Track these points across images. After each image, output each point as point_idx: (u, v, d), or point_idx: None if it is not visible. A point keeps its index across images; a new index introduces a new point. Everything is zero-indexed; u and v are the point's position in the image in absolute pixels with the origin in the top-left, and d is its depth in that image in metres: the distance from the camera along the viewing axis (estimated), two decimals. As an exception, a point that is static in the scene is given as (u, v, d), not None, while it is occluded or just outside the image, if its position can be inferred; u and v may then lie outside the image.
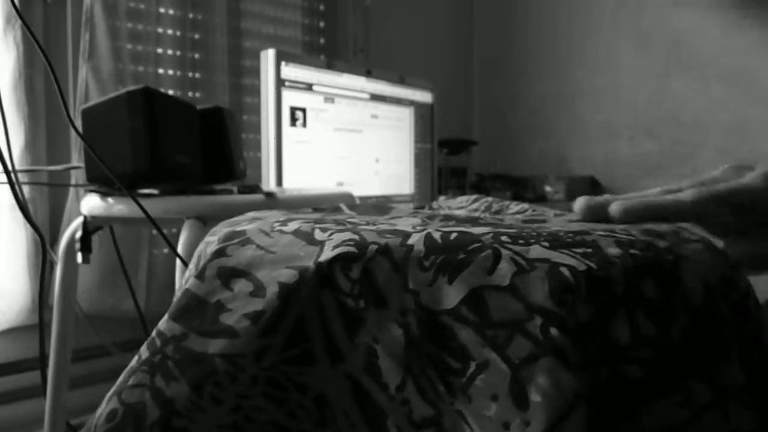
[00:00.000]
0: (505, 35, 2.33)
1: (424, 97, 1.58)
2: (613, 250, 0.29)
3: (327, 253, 0.31)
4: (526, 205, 0.50)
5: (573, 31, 2.14)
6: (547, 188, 1.99)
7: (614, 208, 0.37)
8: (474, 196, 0.56)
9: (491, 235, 0.30)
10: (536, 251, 0.28)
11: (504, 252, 0.29)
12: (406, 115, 1.52)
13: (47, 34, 1.33)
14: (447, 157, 2.00)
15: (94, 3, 1.31)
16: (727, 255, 0.31)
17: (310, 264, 0.31)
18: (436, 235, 0.31)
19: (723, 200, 0.36)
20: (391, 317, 0.30)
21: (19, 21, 1.20)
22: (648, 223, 0.34)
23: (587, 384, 0.25)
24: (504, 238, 0.30)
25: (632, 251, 0.29)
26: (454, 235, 0.30)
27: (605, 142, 2.06)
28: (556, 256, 0.28)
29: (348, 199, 0.94)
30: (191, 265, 0.40)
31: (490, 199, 0.54)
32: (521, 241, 0.29)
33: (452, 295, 0.28)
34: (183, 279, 0.41)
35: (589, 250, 0.29)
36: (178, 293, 0.40)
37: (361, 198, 1.33)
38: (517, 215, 0.48)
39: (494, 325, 0.27)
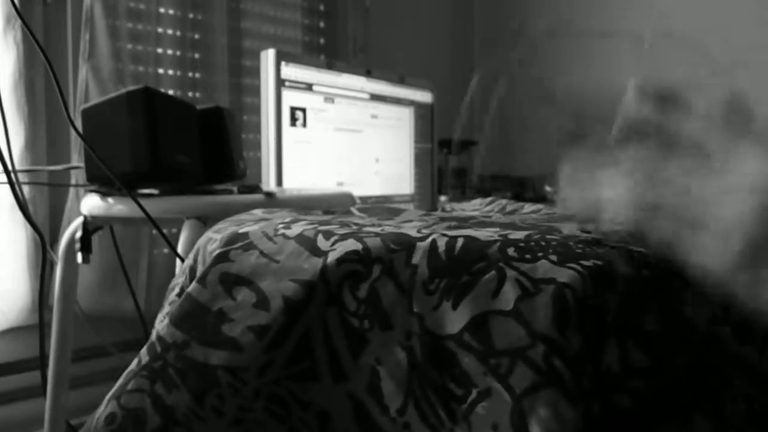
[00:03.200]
0: (505, 35, 2.33)
1: (424, 97, 1.57)
2: (624, 269, 0.28)
3: (332, 269, 0.30)
4: (540, 205, 0.50)
5: (572, 31, 2.14)
6: (547, 188, 1.99)
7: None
8: (489, 199, 0.55)
9: (498, 245, 0.29)
10: (543, 268, 0.28)
11: (509, 273, 0.28)
12: (406, 115, 1.52)
13: (47, 34, 1.33)
14: (447, 157, 2.00)
15: (94, 3, 1.31)
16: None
17: (316, 280, 0.31)
18: (441, 246, 0.30)
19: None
20: (396, 340, 0.29)
21: (19, 21, 1.20)
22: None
23: (584, 416, 0.25)
24: (511, 250, 0.29)
25: (643, 272, 0.28)
26: (459, 244, 0.30)
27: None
28: (563, 275, 0.27)
29: (348, 199, 0.94)
30: (190, 256, 0.39)
31: (504, 201, 0.54)
32: (528, 256, 0.29)
33: (456, 321, 0.28)
34: (180, 270, 0.41)
35: (600, 263, 0.28)
36: (172, 294, 0.40)
37: (362, 198, 1.33)
38: (533, 215, 0.47)
39: (497, 353, 0.27)
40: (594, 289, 0.27)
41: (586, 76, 2.10)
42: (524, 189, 2.03)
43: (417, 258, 0.30)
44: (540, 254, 0.29)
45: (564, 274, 0.28)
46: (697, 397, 0.28)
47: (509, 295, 0.28)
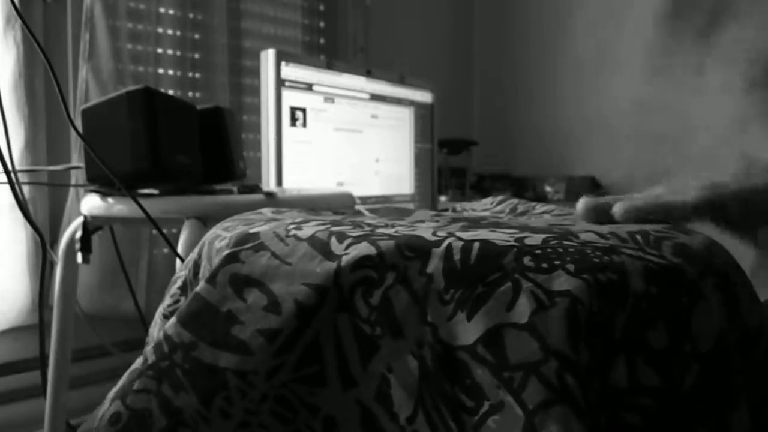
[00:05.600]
0: (505, 35, 2.33)
1: (424, 97, 1.58)
2: (637, 284, 0.27)
3: (346, 275, 0.30)
4: (552, 206, 0.49)
5: (574, 31, 2.14)
6: (547, 188, 1.99)
7: (617, 210, 0.37)
8: (499, 198, 0.55)
9: (514, 253, 0.29)
10: (559, 280, 0.27)
11: (524, 284, 0.28)
12: (406, 115, 1.52)
13: (47, 34, 1.33)
14: (447, 157, 2.00)
15: (94, 3, 1.31)
16: (750, 288, 0.30)
17: (330, 285, 0.30)
18: (456, 254, 0.29)
19: (724, 203, 0.36)
20: (407, 348, 0.29)
21: (19, 21, 1.20)
22: (682, 234, 0.32)
23: (591, 431, 0.25)
24: (527, 259, 0.28)
25: (652, 289, 0.27)
26: (475, 252, 0.29)
27: (606, 142, 2.06)
28: (578, 288, 0.27)
29: (348, 199, 0.94)
30: (195, 250, 0.39)
31: (515, 200, 0.53)
32: (545, 265, 0.28)
33: (470, 332, 0.28)
34: (183, 265, 0.41)
35: (614, 276, 0.28)
36: (174, 287, 0.40)
37: (362, 198, 1.33)
38: (545, 215, 0.46)
39: (511, 367, 0.27)
40: (604, 305, 0.27)
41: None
42: (524, 189, 2.03)
43: (432, 267, 0.30)
44: (557, 262, 0.28)
45: (578, 287, 0.27)
46: (702, 413, 0.27)
47: (524, 308, 0.27)
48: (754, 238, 0.38)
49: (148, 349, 0.34)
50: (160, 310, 0.41)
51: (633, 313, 0.27)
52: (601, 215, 0.38)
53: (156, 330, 0.41)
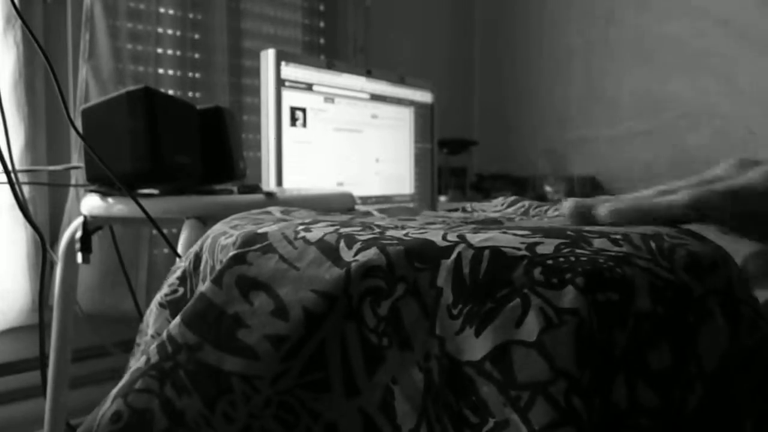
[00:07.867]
0: (505, 35, 2.33)
1: (424, 97, 1.58)
2: (642, 302, 0.27)
3: (355, 283, 0.30)
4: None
5: (573, 31, 2.14)
6: (547, 188, 1.99)
7: (602, 212, 0.36)
8: (511, 199, 0.54)
9: (524, 265, 0.28)
10: (569, 296, 0.27)
11: (533, 301, 0.27)
12: (406, 115, 1.52)
13: (47, 34, 1.33)
14: (447, 157, 2.00)
15: (94, 3, 1.31)
16: (754, 304, 0.30)
17: (338, 292, 0.30)
18: (466, 267, 0.29)
19: (719, 202, 0.35)
20: (414, 360, 0.29)
21: (19, 21, 1.20)
22: (694, 241, 0.32)
23: None
24: (537, 272, 0.28)
25: (658, 308, 0.27)
26: (485, 265, 0.29)
27: (606, 142, 2.06)
28: (585, 306, 0.27)
29: (348, 199, 0.94)
30: (197, 243, 0.39)
31: (527, 203, 0.52)
32: (555, 280, 0.28)
33: (478, 348, 0.28)
34: (183, 256, 0.41)
35: (617, 296, 0.27)
36: (173, 277, 0.40)
37: (362, 198, 1.33)
38: (559, 218, 0.46)
39: (518, 386, 0.27)
40: (606, 324, 0.27)
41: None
42: (524, 189, 2.03)
43: (441, 280, 0.29)
44: (568, 275, 0.28)
45: (584, 306, 0.27)
46: None
47: (532, 325, 0.27)
48: (752, 236, 0.37)
49: (152, 348, 0.34)
50: (157, 298, 0.41)
51: (634, 333, 0.27)
52: (586, 218, 0.37)
53: (152, 318, 0.41)
